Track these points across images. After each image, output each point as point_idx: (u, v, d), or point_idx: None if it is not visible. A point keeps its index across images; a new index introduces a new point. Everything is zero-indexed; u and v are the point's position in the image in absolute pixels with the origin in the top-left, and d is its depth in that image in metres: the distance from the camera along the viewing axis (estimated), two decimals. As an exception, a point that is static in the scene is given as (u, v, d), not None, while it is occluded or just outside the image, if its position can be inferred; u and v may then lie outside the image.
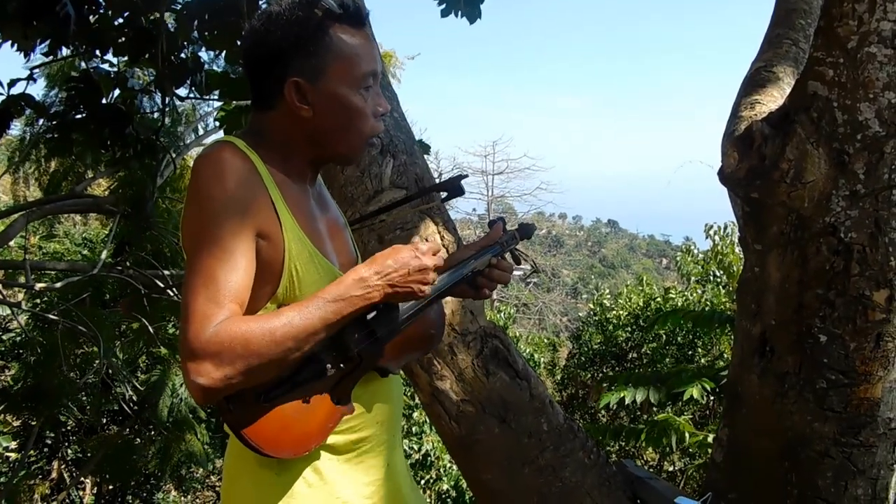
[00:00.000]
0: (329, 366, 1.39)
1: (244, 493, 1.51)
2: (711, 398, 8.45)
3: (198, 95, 4.77)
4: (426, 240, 2.45)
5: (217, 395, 1.28)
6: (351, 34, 1.47)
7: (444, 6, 4.78)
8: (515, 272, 1.87)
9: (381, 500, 1.61)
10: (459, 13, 4.78)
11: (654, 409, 8.87)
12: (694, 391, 4.83)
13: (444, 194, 2.14)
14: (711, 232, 8.03)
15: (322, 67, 1.44)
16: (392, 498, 1.64)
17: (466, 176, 1.98)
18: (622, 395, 4.90)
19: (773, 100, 2.49)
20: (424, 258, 1.42)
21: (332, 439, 1.49)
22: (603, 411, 10.72)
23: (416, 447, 9.89)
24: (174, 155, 6.67)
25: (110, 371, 8.84)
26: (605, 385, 5.53)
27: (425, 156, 3.17)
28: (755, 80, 2.64)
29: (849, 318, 1.98)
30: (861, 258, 1.95)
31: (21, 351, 10.43)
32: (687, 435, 5.12)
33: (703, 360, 9.48)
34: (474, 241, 1.80)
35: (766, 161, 2.06)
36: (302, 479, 1.47)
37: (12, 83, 4.19)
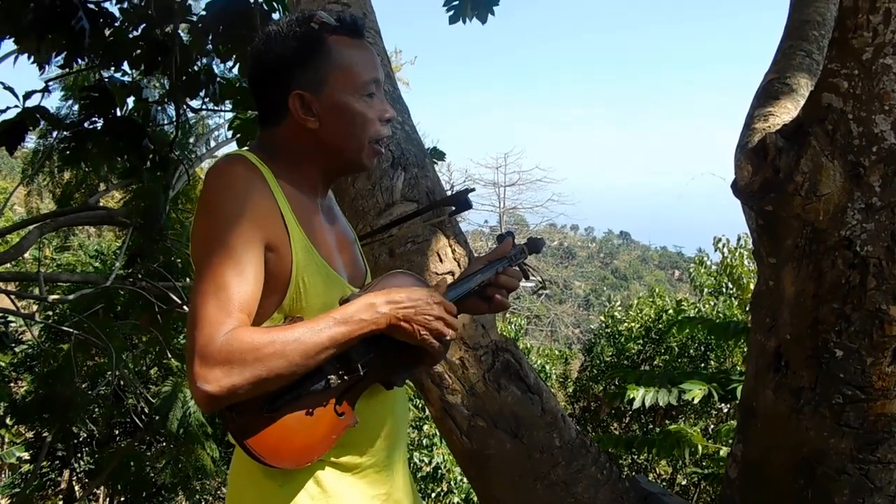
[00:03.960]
0: (333, 378, 1.39)
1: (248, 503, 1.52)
2: (724, 409, 8.41)
3: (210, 106, 4.80)
4: (438, 254, 2.45)
5: (221, 403, 1.28)
6: (349, 44, 1.51)
7: (451, 13, 4.79)
8: (527, 284, 1.86)
9: None
10: (467, 19, 4.79)
11: (667, 421, 8.82)
12: (697, 394, 4.75)
13: (452, 208, 2.14)
14: (720, 245, 8.01)
15: (323, 78, 1.47)
16: None
17: (473, 190, 1.99)
18: (632, 395, 4.83)
19: (786, 112, 2.47)
20: (437, 307, 1.44)
21: (334, 452, 1.49)
22: (615, 423, 10.69)
23: (426, 460, 9.87)
24: (186, 167, 6.69)
25: (122, 383, 8.86)
26: (615, 384, 5.44)
27: (439, 164, 3.16)
28: (768, 92, 2.62)
29: (865, 332, 1.95)
30: (877, 272, 1.93)
31: (34, 362, 10.48)
32: (700, 447, 5.07)
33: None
34: (483, 255, 1.80)
35: (780, 174, 2.04)
36: (304, 491, 1.48)
37: (27, 95, 4.22)
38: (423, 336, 1.42)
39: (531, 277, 1.90)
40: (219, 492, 12.77)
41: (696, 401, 4.75)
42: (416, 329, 1.41)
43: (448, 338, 1.46)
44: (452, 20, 4.86)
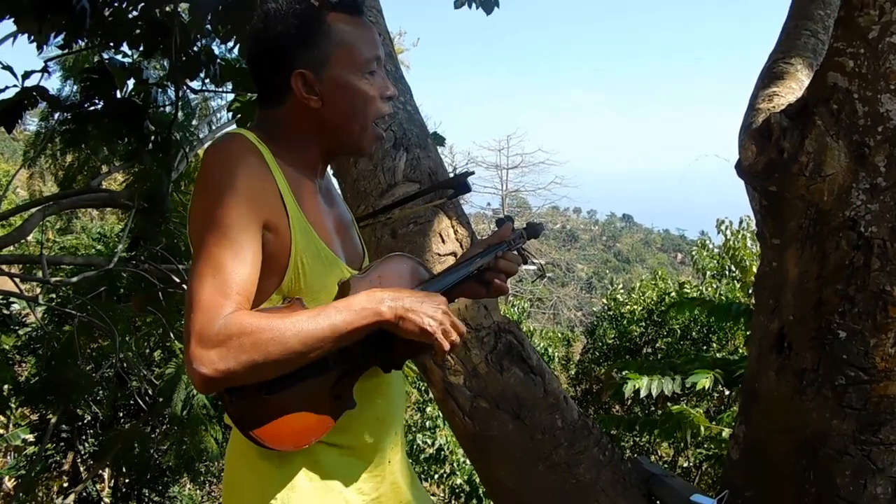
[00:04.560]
0: (332, 360, 1.38)
1: (245, 486, 1.52)
2: (727, 392, 8.42)
3: (211, 88, 4.78)
4: (440, 234, 2.45)
5: (217, 387, 1.28)
6: (349, 22, 1.50)
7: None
8: (528, 268, 1.85)
9: (381, 497, 1.61)
10: (474, 4, 4.76)
11: (669, 403, 8.83)
12: (705, 381, 4.73)
13: (451, 191, 2.13)
14: (723, 227, 7.98)
15: (324, 56, 1.46)
16: (392, 494, 1.65)
17: (472, 173, 1.98)
18: (636, 385, 4.81)
19: (791, 92, 2.45)
20: (444, 304, 1.42)
21: (332, 435, 1.48)
22: (617, 405, 10.70)
23: (429, 441, 9.91)
24: (188, 149, 6.67)
25: (125, 365, 8.88)
26: (616, 372, 5.42)
27: (440, 148, 3.14)
28: (773, 72, 2.60)
29: (869, 313, 1.95)
30: (881, 253, 1.92)
31: (38, 345, 10.50)
32: (702, 428, 5.07)
33: (717, 355, 9.44)
34: (482, 239, 1.79)
35: (784, 154, 2.02)
36: (302, 473, 1.48)
37: (26, 75, 4.20)
38: (433, 328, 1.38)
39: (530, 262, 1.90)
40: (223, 474, 12.79)
41: (707, 387, 4.72)
42: (425, 321, 1.37)
43: (454, 338, 1.41)
44: (457, 4, 4.85)
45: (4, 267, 6.31)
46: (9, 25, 4.11)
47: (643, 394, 4.79)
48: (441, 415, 8.97)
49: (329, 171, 1.70)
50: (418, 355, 2.09)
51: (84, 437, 11.84)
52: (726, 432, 5.27)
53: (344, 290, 1.44)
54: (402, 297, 1.38)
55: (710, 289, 9.90)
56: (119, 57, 4.77)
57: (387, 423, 1.61)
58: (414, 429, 10.03)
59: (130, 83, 4.80)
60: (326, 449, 1.50)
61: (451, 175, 2.47)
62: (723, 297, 8.78)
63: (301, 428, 1.40)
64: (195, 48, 4.51)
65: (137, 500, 11.95)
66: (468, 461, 8.64)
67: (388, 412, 1.62)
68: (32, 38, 4.08)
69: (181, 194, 7.94)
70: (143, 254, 6.63)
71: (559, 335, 15.06)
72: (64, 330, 9.11)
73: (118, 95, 4.58)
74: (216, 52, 4.75)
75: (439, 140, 5.35)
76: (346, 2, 1.50)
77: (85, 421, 11.56)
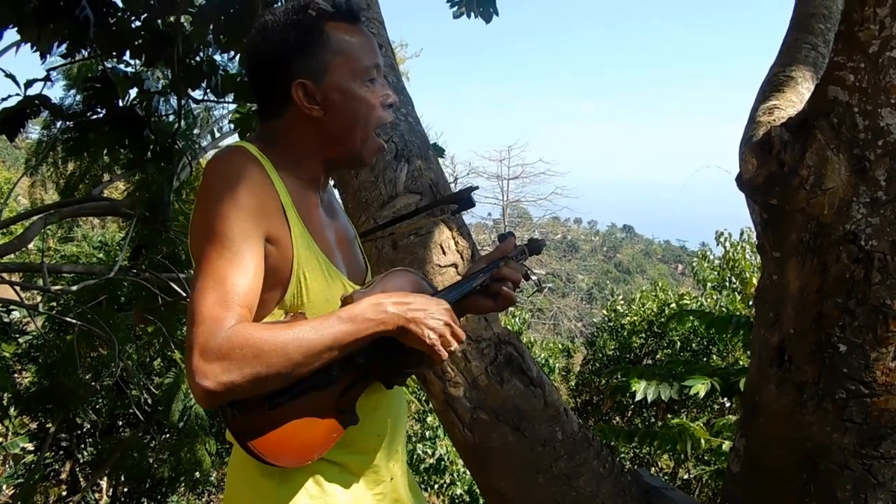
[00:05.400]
0: (336, 374, 1.37)
1: (244, 503, 1.50)
2: (727, 404, 8.40)
3: (212, 98, 4.79)
4: (441, 246, 2.45)
5: (219, 400, 1.26)
6: (346, 30, 1.49)
7: (455, 7, 4.78)
8: (531, 278, 1.85)
9: None
10: (472, 14, 4.78)
11: (669, 415, 8.82)
12: (701, 388, 4.71)
13: (455, 206, 2.13)
14: (722, 239, 8.00)
15: (324, 65, 1.46)
16: None
17: (476, 188, 1.97)
18: (633, 388, 4.79)
19: (791, 105, 2.46)
20: (446, 313, 1.41)
21: (334, 452, 1.46)
22: (618, 417, 10.68)
23: (429, 451, 9.89)
24: (190, 158, 6.67)
25: (125, 374, 8.87)
26: (616, 376, 5.39)
27: (440, 159, 3.15)
28: (773, 85, 2.61)
29: (869, 327, 1.94)
30: (882, 266, 1.92)
31: (38, 353, 10.49)
32: (702, 441, 5.06)
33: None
34: (484, 255, 1.79)
35: (784, 167, 2.03)
36: (303, 491, 1.46)
37: (29, 84, 4.22)
38: (432, 340, 1.38)
39: (531, 278, 1.89)
40: (222, 483, 12.78)
41: (700, 395, 4.71)
42: (425, 332, 1.37)
43: (453, 348, 1.42)
44: (456, 15, 4.87)
45: (5, 275, 6.30)
46: (13, 35, 4.13)
47: (639, 397, 4.78)
48: (441, 425, 8.95)
49: (331, 183, 1.69)
50: (421, 370, 2.08)
51: (83, 446, 11.82)
52: (726, 445, 5.25)
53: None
54: (407, 304, 1.37)
55: (710, 300, 9.90)
56: (122, 66, 4.78)
57: (388, 438, 1.60)
58: (414, 439, 10.01)
59: (133, 92, 4.81)
60: (328, 466, 1.49)
61: (452, 186, 2.48)
62: (723, 309, 8.78)
63: (304, 444, 1.39)
64: (197, 58, 4.52)
65: (135, 510, 11.92)
66: (468, 472, 8.61)
67: (389, 427, 1.60)
68: (35, 46, 4.09)
69: (183, 203, 7.94)
70: (144, 262, 6.62)
71: (559, 346, 15.05)
72: (64, 338, 9.10)
73: (120, 104, 4.60)
74: (219, 61, 4.76)
75: (438, 151, 5.36)
76: (343, 10, 1.50)
77: (84, 429, 11.53)
